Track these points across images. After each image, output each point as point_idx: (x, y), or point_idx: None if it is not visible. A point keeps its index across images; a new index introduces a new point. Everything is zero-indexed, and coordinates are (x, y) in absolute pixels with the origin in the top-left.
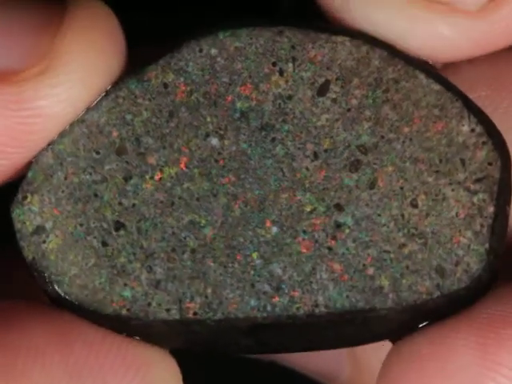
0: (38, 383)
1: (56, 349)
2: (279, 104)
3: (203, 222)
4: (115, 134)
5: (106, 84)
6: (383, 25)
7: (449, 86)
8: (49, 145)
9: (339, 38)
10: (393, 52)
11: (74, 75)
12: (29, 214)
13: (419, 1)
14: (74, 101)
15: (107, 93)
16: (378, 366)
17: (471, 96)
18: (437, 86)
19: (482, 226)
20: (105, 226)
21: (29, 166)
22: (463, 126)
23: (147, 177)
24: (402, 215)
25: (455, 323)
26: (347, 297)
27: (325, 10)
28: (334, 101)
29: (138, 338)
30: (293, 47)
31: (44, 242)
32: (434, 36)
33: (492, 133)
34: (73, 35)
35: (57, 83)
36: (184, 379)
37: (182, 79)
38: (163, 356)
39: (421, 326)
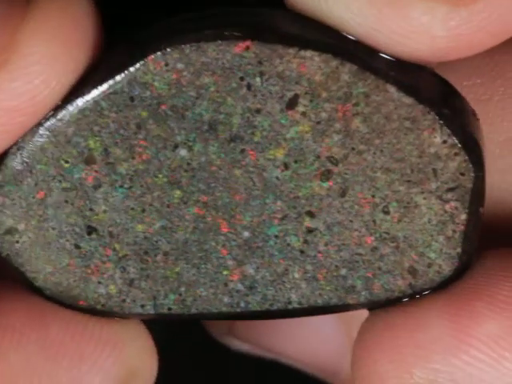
0: (15, 363)
1: (32, 329)
2: (248, 117)
3: (175, 227)
4: (83, 144)
5: (70, 78)
6: (357, 8)
7: (421, 99)
8: (18, 150)
9: (308, 53)
10: (363, 66)
11: (33, 68)
12: (1, 215)
13: None
14: (32, 94)
15: (74, 104)
16: None
17: (465, 83)
18: (408, 100)
19: (454, 231)
20: (77, 230)
21: None
22: (435, 137)
23: (117, 185)
24: (374, 221)
25: (431, 298)
26: (320, 294)
27: (288, 1)
28: (304, 114)
29: None
30: (260, 62)
31: (17, 241)
32: (409, 20)
33: (468, 143)
34: (35, 27)
35: (15, 77)
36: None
37: (148, 93)
38: (138, 332)
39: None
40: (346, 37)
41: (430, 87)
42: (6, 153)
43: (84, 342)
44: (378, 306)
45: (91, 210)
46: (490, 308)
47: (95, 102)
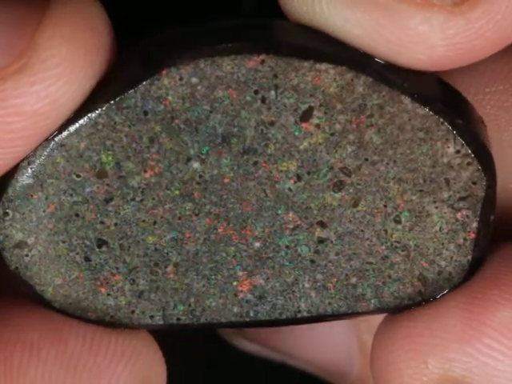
0: (35, 378)
1: (51, 344)
2: (261, 130)
3: (186, 239)
4: (95, 158)
5: (89, 81)
6: (356, 18)
7: (435, 110)
8: (28, 164)
9: (323, 66)
10: (378, 78)
11: (53, 72)
12: (10, 229)
13: None
14: (54, 98)
15: (87, 118)
16: None
17: (488, 90)
18: (422, 110)
19: (464, 239)
20: (87, 243)
21: (7, 179)
22: (448, 147)
23: (129, 198)
24: (385, 230)
25: (448, 295)
26: (329, 303)
27: (287, 12)
28: (318, 126)
29: None
30: (275, 76)
31: (27, 255)
32: (407, 31)
33: (481, 152)
34: (53, 31)
35: (35, 81)
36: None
37: (161, 107)
38: (149, 343)
39: None
40: (358, 55)
41: (443, 97)
42: (16, 167)
43: (101, 356)
44: (387, 313)
45: (102, 223)
46: (504, 296)
47: (108, 116)
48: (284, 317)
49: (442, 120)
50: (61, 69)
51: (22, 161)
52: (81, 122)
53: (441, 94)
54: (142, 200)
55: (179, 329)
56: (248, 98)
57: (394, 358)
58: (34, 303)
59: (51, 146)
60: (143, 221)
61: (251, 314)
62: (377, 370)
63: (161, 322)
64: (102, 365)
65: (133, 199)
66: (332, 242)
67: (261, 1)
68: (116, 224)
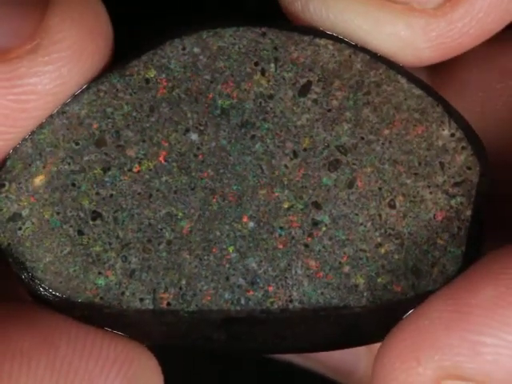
0: None
1: (42, 351)
2: (260, 102)
3: (180, 214)
4: (95, 126)
5: (95, 64)
6: (342, 25)
7: (430, 92)
8: (29, 135)
9: (322, 41)
10: (375, 56)
11: (65, 53)
12: (5, 202)
13: (375, 1)
14: (65, 78)
15: (89, 86)
16: None
17: (499, 86)
18: (418, 91)
19: (459, 228)
20: (81, 215)
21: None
22: (443, 130)
23: (125, 169)
24: (380, 215)
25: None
26: (322, 293)
27: (286, 11)
28: (315, 101)
29: (111, 329)
30: (275, 48)
31: (20, 228)
32: (391, 36)
33: (471, 138)
34: (62, 15)
35: (48, 61)
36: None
37: (163, 75)
38: (143, 351)
39: None
40: None
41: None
42: None
43: (93, 362)
44: (380, 310)
45: (98, 193)
46: (485, 275)
47: (111, 83)
48: (275, 306)
49: (436, 102)
50: (72, 51)
51: None
52: (83, 88)
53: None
54: (138, 171)
55: (169, 317)
56: (248, 70)
57: (388, 367)
58: (26, 307)
59: (53, 114)
60: (139, 193)
61: (242, 302)
62: (374, 374)
63: (150, 307)
64: (94, 371)
65: (130, 170)
66: (326, 225)
67: (262, 2)
68: (111, 195)
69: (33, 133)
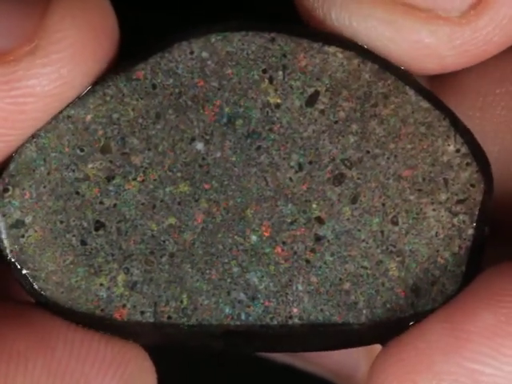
0: None
1: (38, 353)
2: (267, 112)
3: (183, 226)
4: (101, 132)
5: (98, 64)
6: (365, 33)
7: (437, 104)
8: (33, 138)
9: (331, 49)
10: (384, 66)
11: (64, 54)
12: (9, 207)
13: (399, 9)
14: (65, 80)
15: (94, 88)
16: None
17: (498, 91)
18: (425, 104)
19: (460, 247)
20: (85, 224)
21: (11, 157)
22: (449, 145)
23: (130, 178)
24: (382, 232)
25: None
26: (321, 310)
27: (304, 15)
28: (322, 112)
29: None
30: (284, 55)
31: (23, 236)
32: (415, 44)
33: (477, 154)
34: (62, 13)
35: (47, 62)
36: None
37: (171, 80)
38: (138, 352)
39: None
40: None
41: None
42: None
43: (89, 364)
44: (379, 327)
45: (101, 203)
46: (484, 301)
47: (117, 87)
48: (275, 322)
49: (443, 115)
50: (72, 51)
51: None
52: (89, 93)
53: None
54: (143, 180)
55: (169, 329)
56: (256, 77)
57: (382, 381)
58: (23, 307)
59: (57, 117)
60: (142, 204)
61: (242, 317)
62: None
63: (151, 320)
64: (90, 373)
65: (134, 179)
66: (329, 240)
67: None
68: (115, 205)
69: (38, 136)
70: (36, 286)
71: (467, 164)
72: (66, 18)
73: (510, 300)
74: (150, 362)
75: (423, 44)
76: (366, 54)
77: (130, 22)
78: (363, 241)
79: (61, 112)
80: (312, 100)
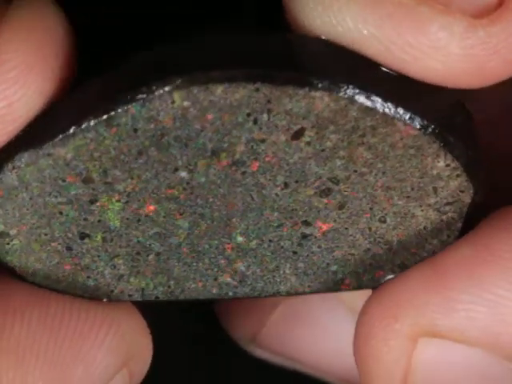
0: (20, 338)
1: (34, 307)
2: (252, 146)
3: (169, 233)
4: (82, 167)
5: (47, 86)
6: (373, 20)
7: (428, 132)
8: (13, 168)
9: (318, 94)
10: (373, 104)
11: (10, 75)
12: None
13: None
14: (10, 101)
15: (75, 132)
16: None
17: None
18: (414, 132)
19: (448, 236)
20: (70, 235)
21: None
22: (438, 162)
23: (114, 200)
24: (370, 228)
25: None
26: (309, 286)
27: (290, 19)
28: (308, 143)
29: None
30: (269, 101)
31: (8, 244)
32: (427, 35)
33: (470, 165)
34: (10, 35)
35: None
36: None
37: (152, 125)
38: (131, 313)
39: None
40: (358, 69)
41: (437, 114)
42: (1, 168)
43: (82, 321)
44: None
45: (86, 219)
46: (463, 239)
47: (97, 132)
48: (263, 296)
49: (433, 139)
50: (17, 72)
51: (7, 164)
52: (69, 134)
53: (436, 111)
54: (127, 202)
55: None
56: (240, 120)
57: (368, 325)
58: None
59: (38, 154)
60: (127, 218)
61: (230, 294)
62: (356, 354)
63: (139, 299)
64: (84, 329)
65: (118, 201)
66: (315, 237)
67: (261, 8)
68: (99, 221)
69: (18, 168)
70: (25, 279)
71: (457, 175)
72: (13, 39)
73: (488, 232)
74: (145, 323)
75: (436, 36)
76: (353, 93)
77: (91, 34)
78: (350, 235)
79: (41, 148)
80: (298, 135)
